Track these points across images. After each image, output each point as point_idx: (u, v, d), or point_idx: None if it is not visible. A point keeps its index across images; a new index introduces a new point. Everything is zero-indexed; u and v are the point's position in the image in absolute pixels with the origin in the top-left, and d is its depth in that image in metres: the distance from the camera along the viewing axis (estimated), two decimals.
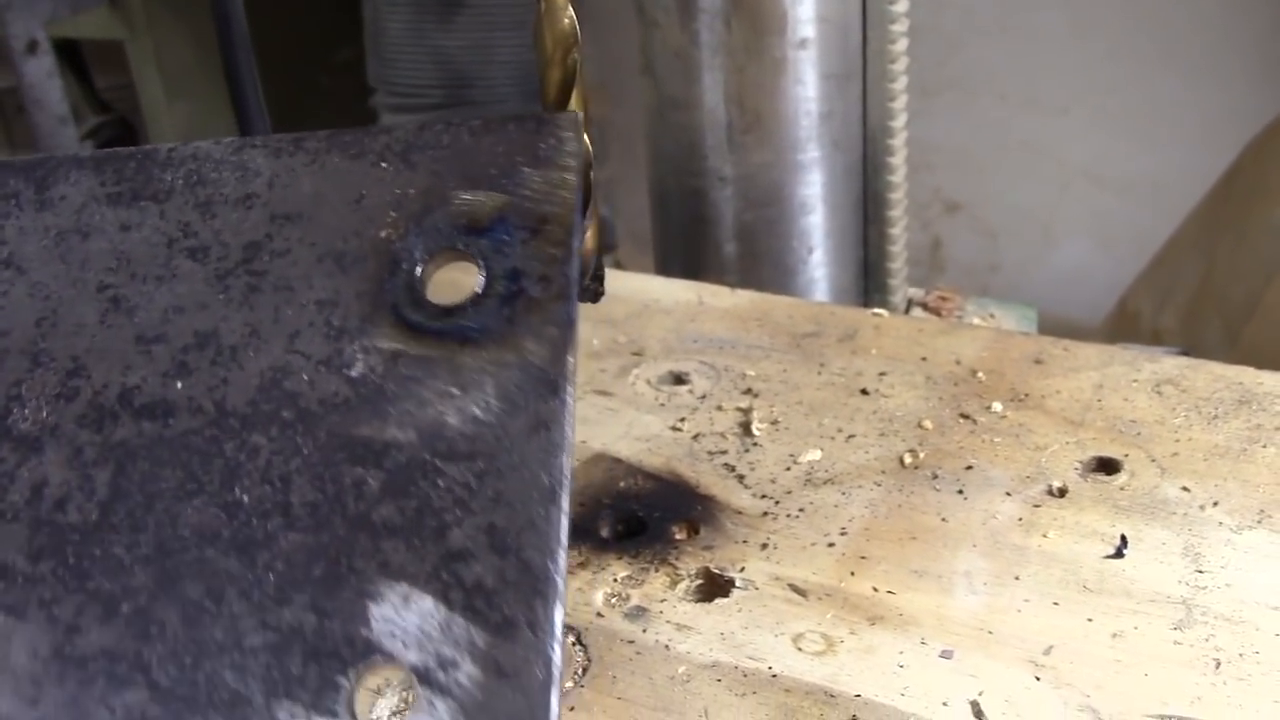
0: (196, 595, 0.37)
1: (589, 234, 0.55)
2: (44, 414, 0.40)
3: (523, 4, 1.68)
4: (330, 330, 0.39)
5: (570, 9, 0.48)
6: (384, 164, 0.41)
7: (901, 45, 0.85)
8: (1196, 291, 1.48)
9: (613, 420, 0.67)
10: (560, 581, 0.37)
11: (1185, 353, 1.07)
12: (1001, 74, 2.20)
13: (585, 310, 0.78)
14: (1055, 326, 0.90)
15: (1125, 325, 1.58)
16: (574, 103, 0.49)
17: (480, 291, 0.39)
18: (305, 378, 0.39)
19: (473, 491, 0.38)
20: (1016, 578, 0.54)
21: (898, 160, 0.89)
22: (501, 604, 0.36)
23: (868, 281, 0.95)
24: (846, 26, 0.83)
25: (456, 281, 0.41)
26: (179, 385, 0.40)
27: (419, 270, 0.40)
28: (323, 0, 2.02)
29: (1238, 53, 1.97)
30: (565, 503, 0.38)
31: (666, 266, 0.95)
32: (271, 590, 0.37)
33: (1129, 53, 2.07)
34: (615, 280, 0.83)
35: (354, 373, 0.39)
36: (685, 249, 0.90)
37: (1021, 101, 2.21)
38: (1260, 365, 0.67)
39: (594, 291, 0.55)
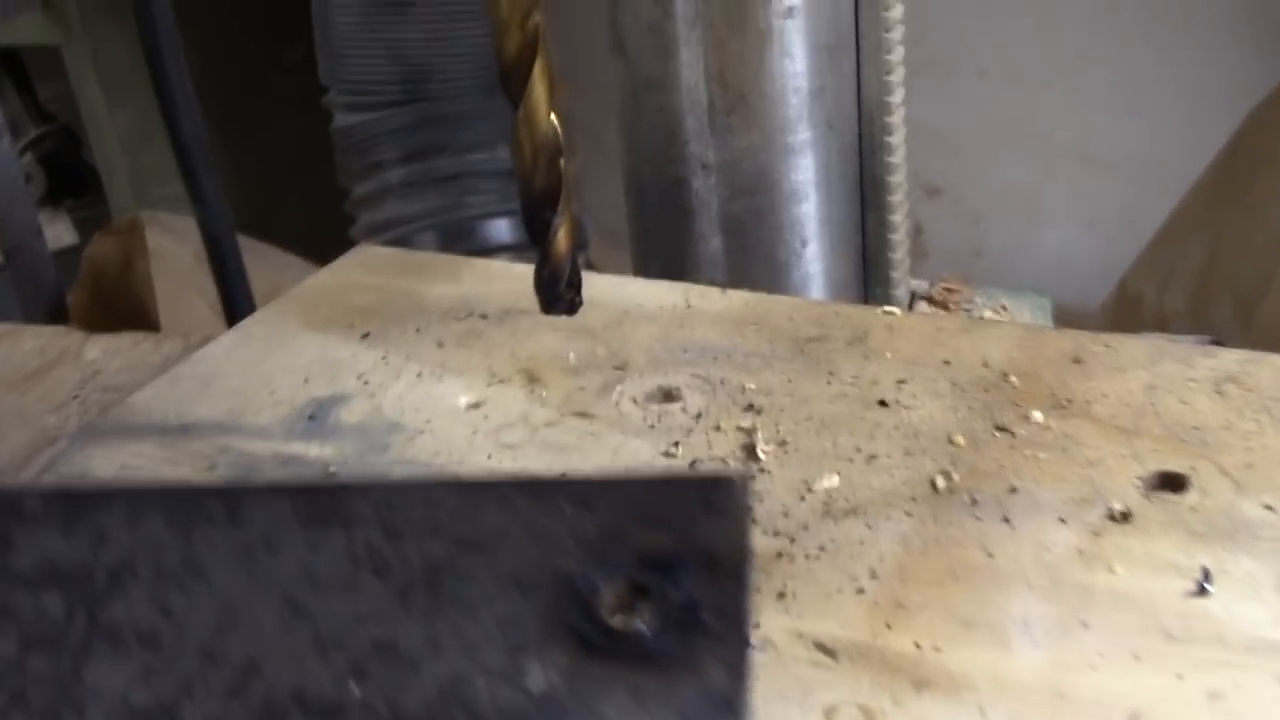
0: None
1: (563, 235, 0.46)
2: (214, 708, 0.41)
3: None
4: (510, 646, 0.41)
5: None
6: (566, 506, 0.42)
7: (898, 11, 0.76)
8: (1203, 270, 1.40)
9: (595, 447, 0.58)
10: None
11: (1217, 341, 0.99)
12: (980, 50, 2.12)
13: (557, 320, 0.69)
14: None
15: (1126, 309, 1.51)
16: (537, 71, 0.40)
17: (658, 619, 0.41)
18: (483, 687, 0.41)
19: None
20: (1085, 625, 0.45)
21: (897, 139, 0.80)
22: None
23: (867, 274, 0.86)
24: None
25: (635, 608, 0.41)
26: (355, 688, 0.41)
27: (598, 597, 0.41)
28: None
29: (1224, 19, 1.89)
30: None
31: (645, 265, 0.86)
32: None
33: (1112, 23, 2.00)
34: (591, 283, 0.74)
35: (533, 686, 0.40)
36: (666, 245, 0.82)
37: (1002, 78, 2.13)
38: (1277, 344, 0.59)
39: (570, 301, 0.46)
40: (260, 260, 1.26)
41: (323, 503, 0.43)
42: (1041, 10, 2.03)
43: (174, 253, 1.40)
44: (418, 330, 0.70)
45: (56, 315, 1.08)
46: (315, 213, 1.78)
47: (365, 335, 0.70)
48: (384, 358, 0.68)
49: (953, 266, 2.19)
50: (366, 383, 0.65)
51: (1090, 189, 2.10)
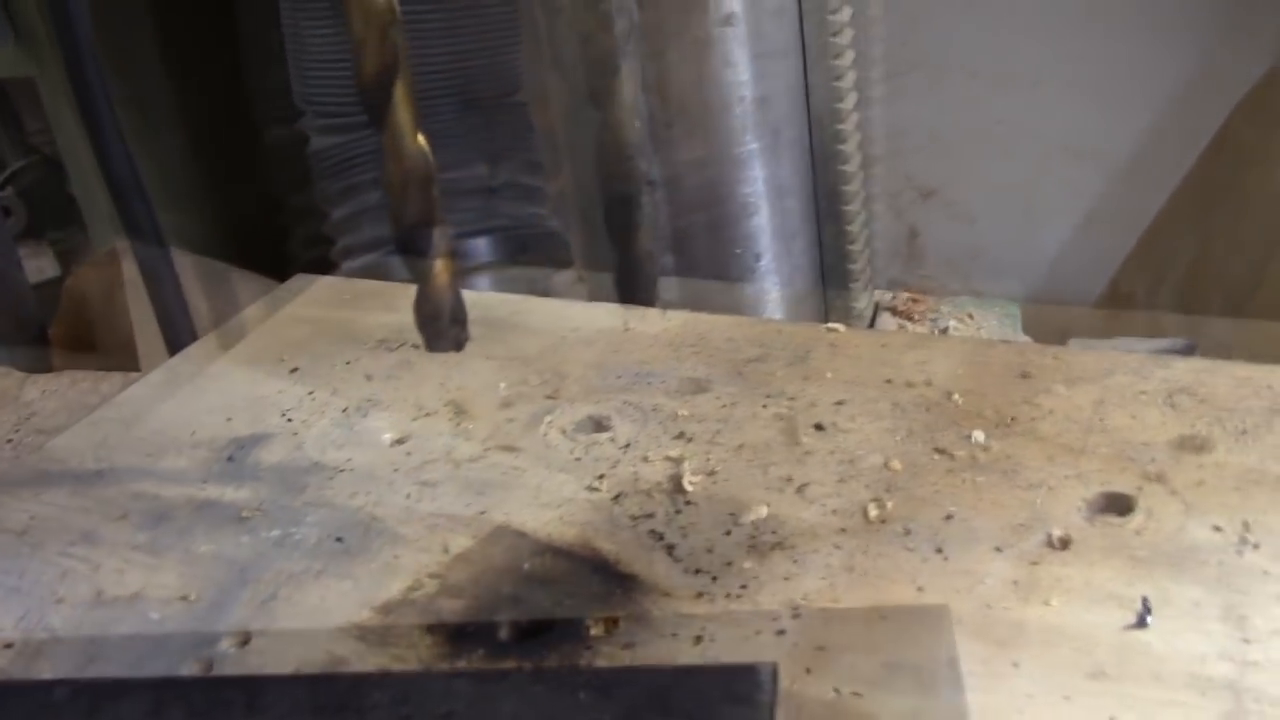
0: None
1: (441, 267, 0.44)
2: None
3: (454, 8, 1.57)
4: None
5: None
6: (583, 695, 0.42)
7: (844, 15, 0.73)
8: (1193, 266, 1.37)
9: (519, 483, 0.56)
10: None
11: (1191, 347, 0.96)
12: (969, 51, 2.08)
13: (491, 346, 0.67)
14: (1044, 312, 0.78)
15: (1119, 306, 1.47)
16: (399, 94, 0.37)
17: None
18: None
19: None
20: (1015, 664, 0.42)
21: (850, 147, 0.77)
22: None
23: (827, 287, 0.83)
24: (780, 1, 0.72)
25: None
26: None
27: None
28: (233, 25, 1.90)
29: (1211, 12, 1.86)
30: None
31: (598, 286, 0.83)
32: None
33: (1100, 20, 1.96)
34: (530, 309, 0.72)
35: None
36: (617, 264, 0.79)
37: (992, 78, 2.10)
38: (1270, 339, 0.56)
39: (455, 338, 0.44)
40: (215, 280, 1.25)
41: (339, 691, 0.44)
42: (1029, 10, 2.00)
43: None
44: (347, 363, 0.68)
45: (37, 347, 1.07)
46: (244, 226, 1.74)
47: (294, 370, 0.68)
48: (310, 393, 0.65)
49: (951, 268, 2.15)
50: (290, 420, 0.63)
51: (1084, 186, 2.06)
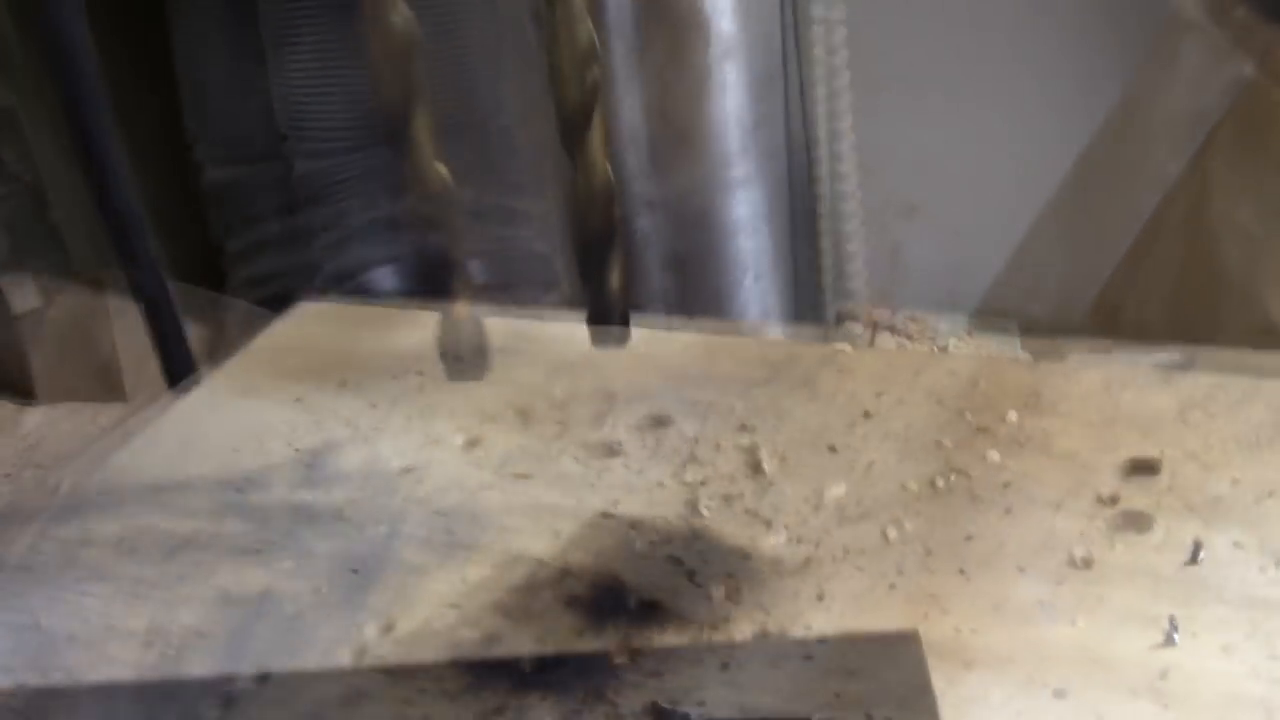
0: None
1: (616, 274, 0.49)
2: None
3: (433, 33, 1.57)
4: None
5: (589, 19, 0.42)
6: None
7: (822, 49, 0.81)
8: (1178, 278, 1.46)
9: (533, 509, 0.59)
10: None
11: (1190, 360, 1.06)
12: (949, 67, 2.10)
13: (533, 354, 0.70)
14: (1032, 325, 0.86)
15: (1106, 321, 1.54)
16: (595, 122, 0.42)
17: None
18: None
19: None
20: (1100, 599, 0.49)
21: (847, 167, 0.85)
22: None
23: (818, 301, 0.90)
24: (769, 30, 0.79)
25: None
26: None
27: None
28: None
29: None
30: None
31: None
32: None
33: (1078, 40, 2.03)
34: (551, 326, 0.76)
35: None
36: (588, 304, 0.84)
37: (973, 94, 2.12)
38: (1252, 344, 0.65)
39: (620, 336, 0.48)
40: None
41: None
42: (1012, 26, 2.05)
43: (135, 311, 1.36)
44: (393, 376, 0.71)
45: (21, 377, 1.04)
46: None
47: (342, 383, 0.70)
48: (372, 405, 0.68)
49: (934, 284, 2.18)
50: (356, 429, 0.66)
51: (1066, 199, 2.14)
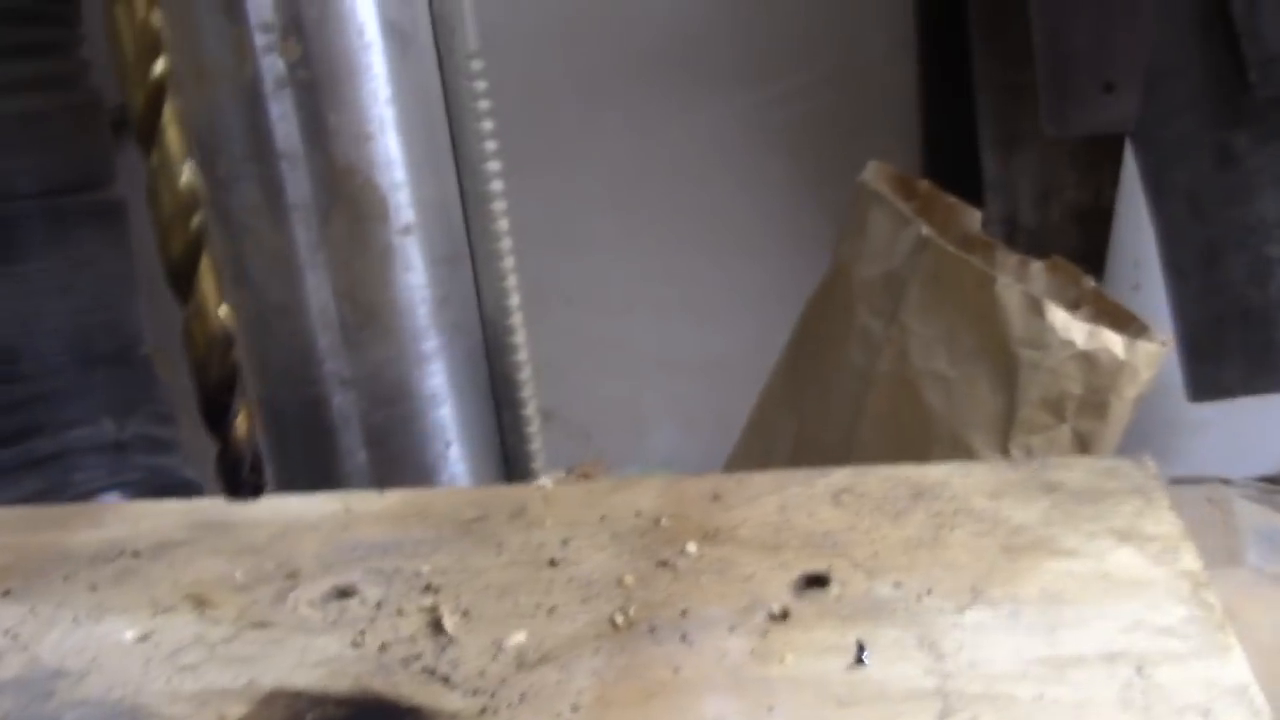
0: None
1: (241, 420, 0.48)
2: None
3: (68, 268, 1.55)
4: None
5: (187, 165, 0.42)
6: None
7: (504, 223, 0.84)
8: (795, 444, 1.55)
9: (280, 651, 0.58)
10: None
11: None
12: (565, 283, 2.27)
13: (214, 542, 0.69)
14: None
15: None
16: (204, 268, 0.42)
17: None
18: None
19: None
20: (770, 709, 0.50)
21: (519, 339, 0.87)
22: None
23: (510, 470, 0.91)
24: (447, 208, 0.81)
25: None
26: None
27: None
28: None
29: (769, 231, 2.15)
30: None
31: (291, 489, 0.86)
32: None
33: (678, 247, 2.21)
34: (244, 508, 0.74)
35: None
36: (313, 464, 0.83)
37: (588, 305, 2.29)
38: None
39: (254, 485, 0.47)
40: None
41: None
42: (615, 241, 2.22)
43: None
44: (65, 578, 0.67)
45: None
46: None
47: (5, 593, 0.66)
48: (31, 610, 0.64)
49: (632, 466, 2.26)
50: (16, 637, 0.62)
51: (682, 394, 2.27)
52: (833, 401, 1.48)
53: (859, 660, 0.52)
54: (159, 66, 0.38)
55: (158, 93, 0.39)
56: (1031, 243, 1.92)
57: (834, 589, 0.58)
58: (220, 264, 0.79)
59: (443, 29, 0.76)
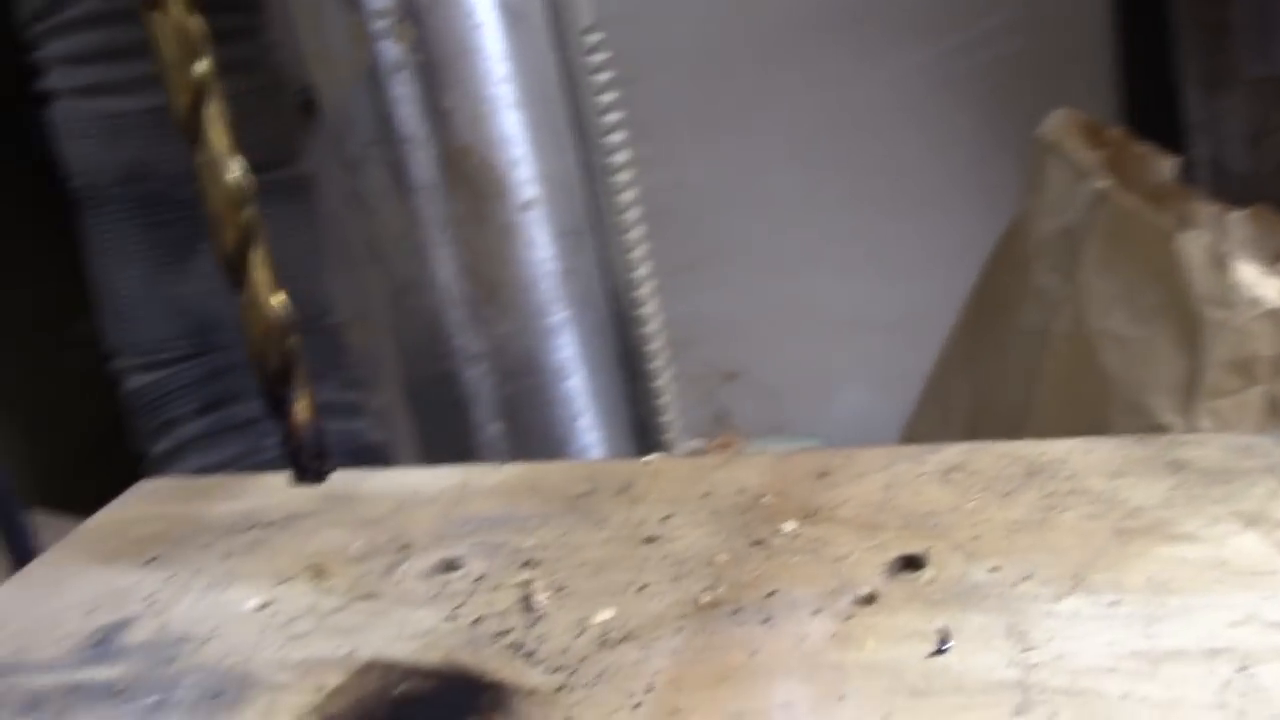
0: None
1: (301, 407, 0.49)
2: None
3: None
4: None
5: (236, 162, 0.44)
6: None
7: (629, 195, 0.83)
8: (972, 406, 1.50)
9: (382, 623, 0.60)
10: None
11: None
12: (750, 243, 2.26)
13: (339, 514, 0.71)
14: None
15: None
16: (256, 259, 0.44)
17: None
18: None
19: None
20: (841, 698, 0.48)
21: (649, 310, 0.86)
22: None
23: (643, 440, 0.91)
24: (569, 183, 0.82)
25: None
26: None
27: None
28: (52, 271, 1.93)
29: (957, 185, 2.08)
30: None
31: (432, 461, 0.89)
32: None
33: (863, 203, 2.17)
34: (372, 478, 0.77)
35: None
36: (447, 437, 0.85)
37: (775, 265, 2.27)
38: None
39: (316, 471, 0.49)
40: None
41: None
42: (797, 199, 2.19)
43: None
44: (203, 546, 0.71)
45: None
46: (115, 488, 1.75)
47: (151, 560, 0.71)
48: (170, 577, 0.68)
49: (772, 436, 2.27)
50: (153, 603, 0.66)
51: (871, 353, 2.23)
52: (1009, 364, 1.43)
53: (940, 649, 0.50)
54: (199, 68, 0.40)
55: (199, 94, 0.40)
56: (1242, 190, 1.79)
57: (928, 572, 0.56)
58: (353, 243, 0.82)
59: (556, 6, 0.76)
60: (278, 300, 0.44)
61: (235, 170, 0.42)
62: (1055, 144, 1.36)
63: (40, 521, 1.19)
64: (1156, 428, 1.19)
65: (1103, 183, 1.25)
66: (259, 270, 0.44)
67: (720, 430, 2.19)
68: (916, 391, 1.74)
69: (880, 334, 2.21)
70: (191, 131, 0.40)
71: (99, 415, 1.79)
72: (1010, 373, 1.41)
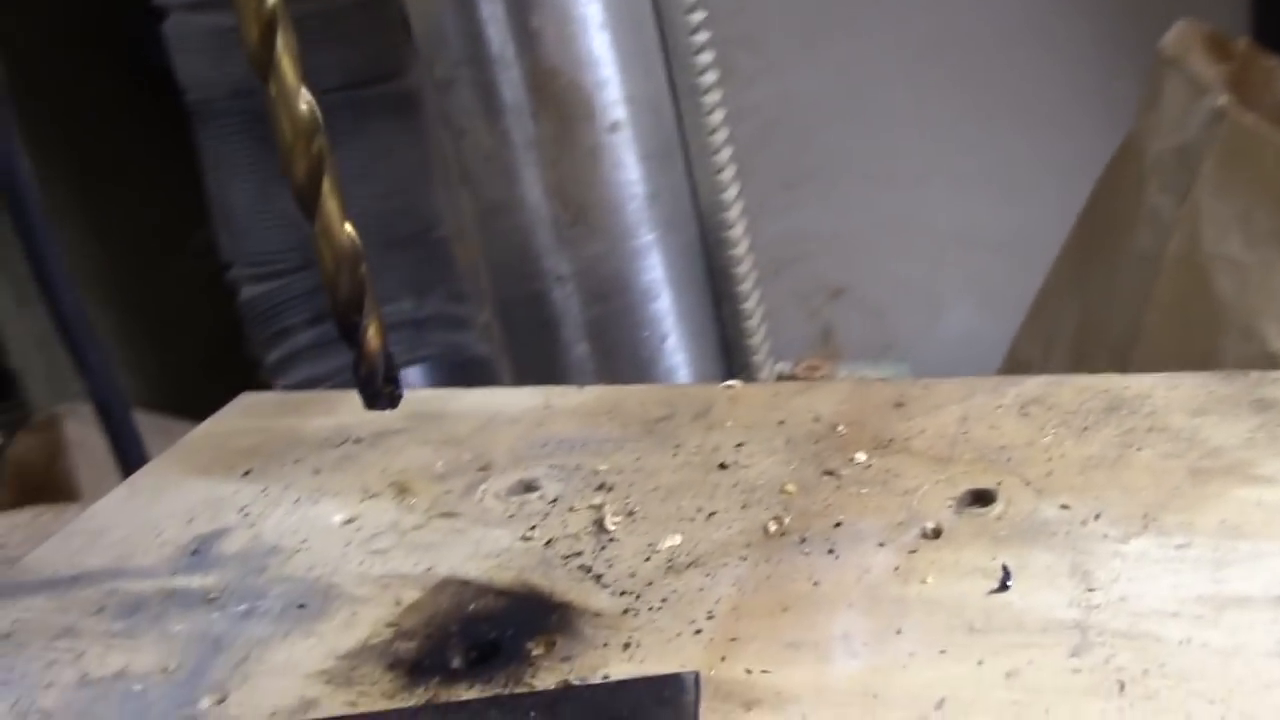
0: None
1: (373, 333, 0.51)
2: None
3: (368, 156, 1.66)
4: None
5: (306, 93, 0.44)
6: (532, 714, 0.48)
7: (718, 116, 0.83)
8: (1079, 330, 1.47)
9: (460, 541, 0.62)
10: None
11: None
12: (858, 156, 2.22)
13: (425, 433, 0.73)
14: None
15: (1016, 374, 1.56)
16: (327, 188, 0.45)
17: None
18: None
19: None
20: (898, 631, 0.49)
21: (737, 232, 0.86)
22: None
23: (731, 361, 0.91)
24: (657, 104, 0.81)
25: None
26: None
27: None
28: (168, 183, 1.98)
29: (1078, 100, 2.01)
30: None
31: (522, 380, 0.91)
32: None
33: (976, 116, 2.11)
34: (458, 398, 0.79)
35: None
36: (536, 357, 0.86)
37: (884, 180, 2.23)
38: None
39: (389, 395, 0.50)
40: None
41: None
42: (909, 113, 2.14)
43: (95, 444, 1.44)
44: (296, 461, 0.74)
45: None
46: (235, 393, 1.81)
47: (246, 473, 0.73)
48: (264, 490, 0.71)
49: (863, 360, 2.25)
50: (247, 514, 0.69)
51: (980, 271, 2.19)
52: (1118, 287, 1.39)
53: (1002, 585, 0.50)
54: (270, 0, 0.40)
55: (270, 27, 0.41)
56: None
57: (996, 508, 0.55)
58: (446, 162, 0.83)
59: None
60: (348, 228, 0.45)
61: (305, 102, 0.43)
62: (1176, 57, 1.31)
63: (156, 426, 1.24)
64: (1269, 356, 1.15)
65: (1222, 99, 1.20)
66: (330, 199, 0.45)
67: (824, 349, 2.17)
68: (1022, 311, 1.71)
69: (990, 253, 2.17)
70: (263, 65, 0.41)
71: (219, 323, 1.85)
72: (1119, 296, 1.38)
